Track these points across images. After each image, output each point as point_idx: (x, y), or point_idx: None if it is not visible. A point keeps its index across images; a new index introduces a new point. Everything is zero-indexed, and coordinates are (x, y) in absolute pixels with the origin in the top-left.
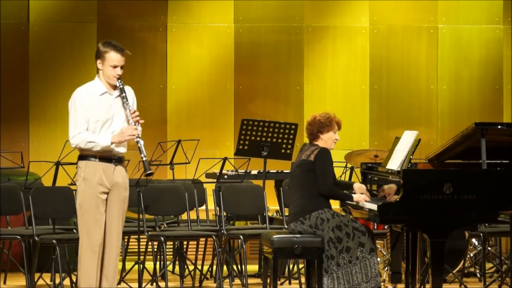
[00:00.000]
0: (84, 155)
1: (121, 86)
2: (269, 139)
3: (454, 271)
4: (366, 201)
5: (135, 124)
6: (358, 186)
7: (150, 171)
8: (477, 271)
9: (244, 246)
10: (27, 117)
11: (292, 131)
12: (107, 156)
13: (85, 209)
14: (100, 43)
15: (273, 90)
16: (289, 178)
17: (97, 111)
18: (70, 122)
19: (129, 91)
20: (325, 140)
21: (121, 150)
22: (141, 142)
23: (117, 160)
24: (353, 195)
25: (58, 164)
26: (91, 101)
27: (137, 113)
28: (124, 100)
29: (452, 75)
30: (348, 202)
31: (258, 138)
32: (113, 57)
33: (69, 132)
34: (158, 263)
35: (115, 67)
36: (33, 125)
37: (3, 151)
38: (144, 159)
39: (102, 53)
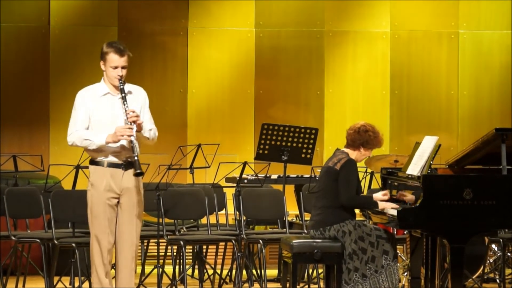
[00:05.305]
0: (94, 159)
1: (122, 87)
2: (289, 144)
3: (474, 277)
4: (392, 208)
5: (130, 124)
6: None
7: (140, 171)
8: (497, 277)
9: (263, 251)
10: (47, 121)
11: (313, 136)
12: (115, 161)
13: (94, 214)
14: (104, 44)
15: (294, 94)
16: (318, 181)
17: (99, 111)
18: (70, 121)
19: (138, 91)
20: (362, 154)
21: (132, 155)
22: (135, 142)
23: (126, 165)
24: (378, 202)
25: (78, 167)
26: (93, 102)
27: (135, 113)
28: (123, 100)
29: (473, 80)
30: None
31: (278, 143)
32: (113, 58)
33: (68, 130)
34: (177, 267)
35: (115, 67)
36: (53, 129)
37: (23, 154)
38: (136, 158)
39: (104, 54)
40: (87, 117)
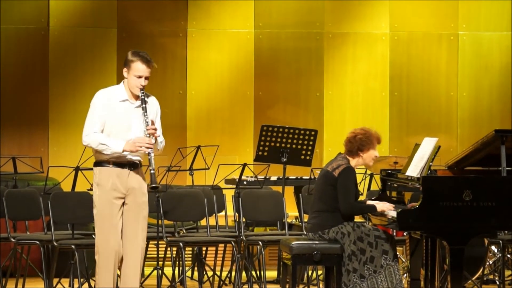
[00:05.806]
0: (99, 161)
1: (143, 97)
2: (288, 145)
3: (473, 278)
4: (390, 209)
5: (149, 137)
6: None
7: (156, 185)
8: (496, 278)
9: (263, 252)
10: (46, 122)
11: (312, 137)
12: (121, 162)
13: (100, 214)
14: (129, 52)
15: (293, 96)
16: (315, 183)
17: (114, 116)
18: (86, 120)
19: (152, 101)
20: (365, 158)
21: (135, 157)
22: (152, 154)
23: (132, 165)
24: (376, 205)
25: (77, 169)
26: (110, 106)
27: (154, 126)
28: (144, 111)
29: (473, 82)
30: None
31: (277, 144)
32: (139, 67)
33: (83, 129)
34: (177, 269)
35: (139, 77)
36: (52, 130)
37: (22, 156)
38: (152, 171)
39: (129, 62)
40: (104, 119)
